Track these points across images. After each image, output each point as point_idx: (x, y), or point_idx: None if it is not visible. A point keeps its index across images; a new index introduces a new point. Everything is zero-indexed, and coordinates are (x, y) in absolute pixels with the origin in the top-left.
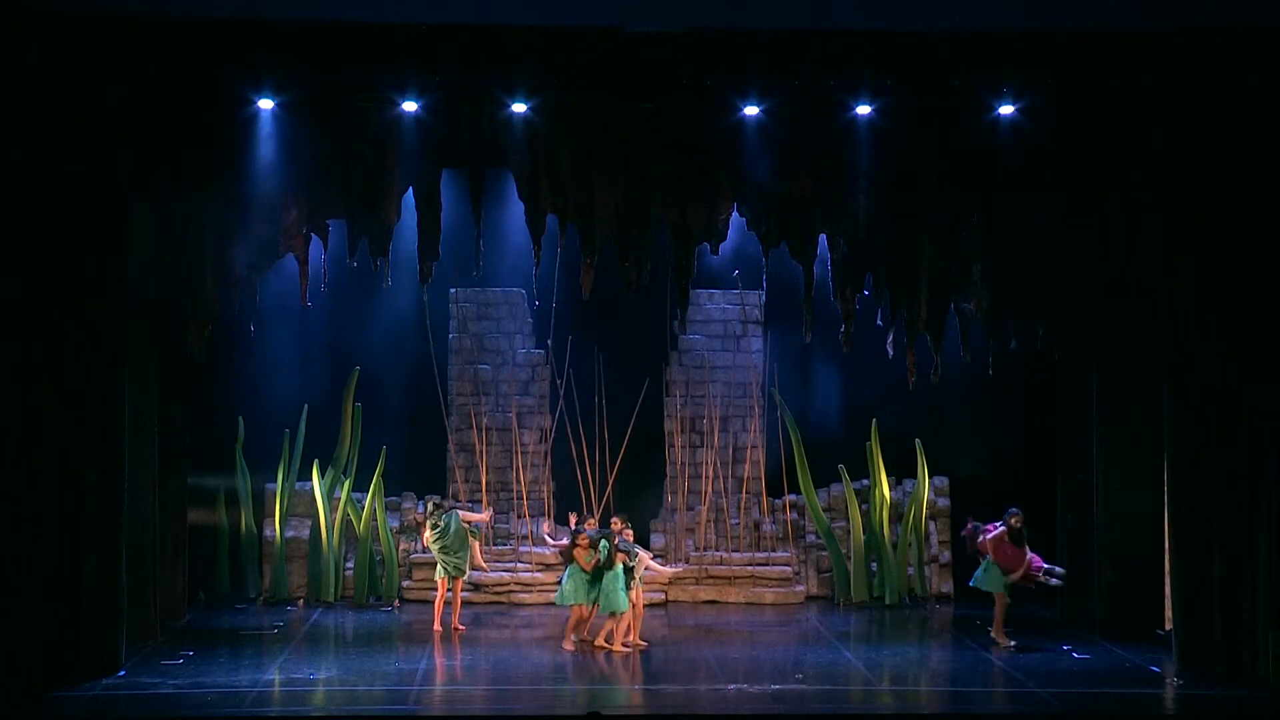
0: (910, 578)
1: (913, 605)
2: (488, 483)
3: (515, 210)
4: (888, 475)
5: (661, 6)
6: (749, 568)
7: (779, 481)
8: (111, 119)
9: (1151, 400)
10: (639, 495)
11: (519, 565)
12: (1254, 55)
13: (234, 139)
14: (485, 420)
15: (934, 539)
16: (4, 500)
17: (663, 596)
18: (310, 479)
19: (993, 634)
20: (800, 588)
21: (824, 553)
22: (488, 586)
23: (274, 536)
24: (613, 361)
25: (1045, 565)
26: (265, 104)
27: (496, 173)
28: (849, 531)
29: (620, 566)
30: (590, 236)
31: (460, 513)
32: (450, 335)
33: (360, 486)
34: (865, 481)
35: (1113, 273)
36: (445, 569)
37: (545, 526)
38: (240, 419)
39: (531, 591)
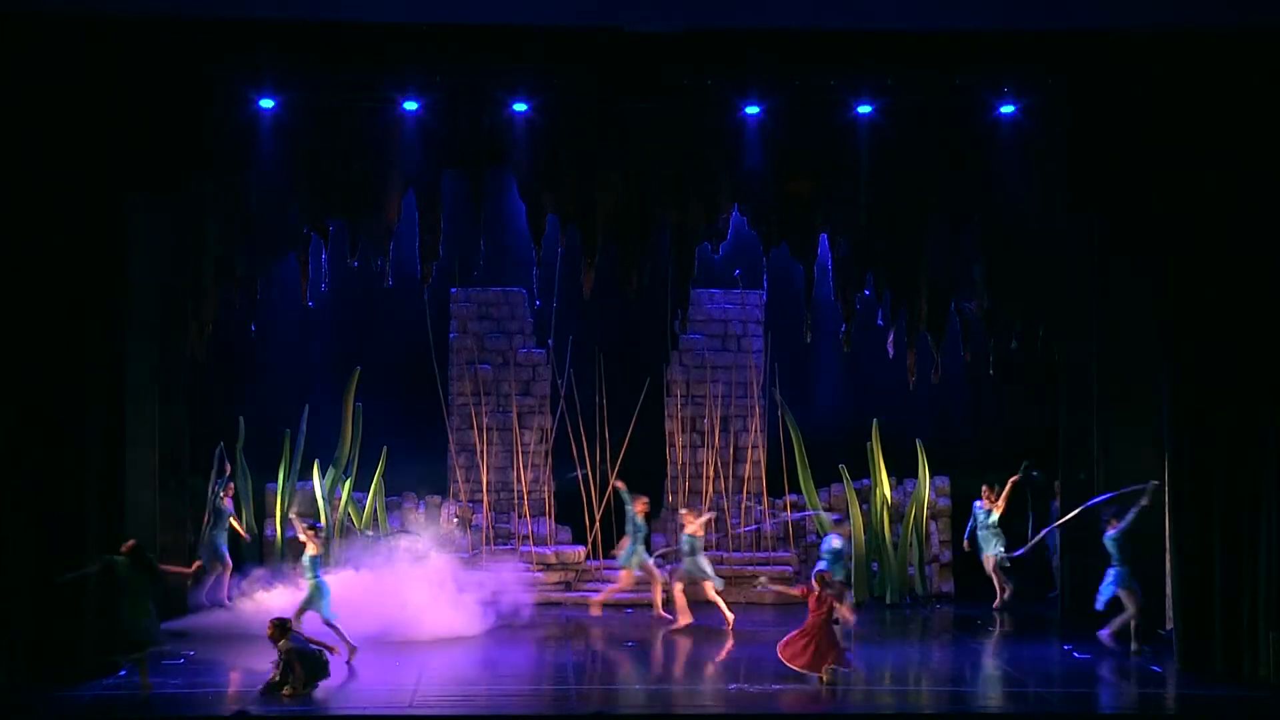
0: (911, 577)
1: (913, 605)
2: (488, 483)
3: (516, 210)
4: (888, 475)
5: (661, 6)
6: (749, 568)
7: (779, 481)
8: (113, 119)
9: (1152, 400)
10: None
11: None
12: (1254, 55)
13: (235, 139)
14: (486, 420)
15: (935, 539)
16: (5, 501)
17: (663, 596)
18: (311, 479)
19: None
20: (801, 587)
21: None
22: None
23: (274, 536)
24: (613, 361)
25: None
26: (266, 104)
27: (497, 173)
28: (849, 531)
29: None
30: (590, 236)
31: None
32: (451, 335)
33: (361, 486)
34: (866, 481)
35: (1113, 273)
36: None
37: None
38: (240, 419)
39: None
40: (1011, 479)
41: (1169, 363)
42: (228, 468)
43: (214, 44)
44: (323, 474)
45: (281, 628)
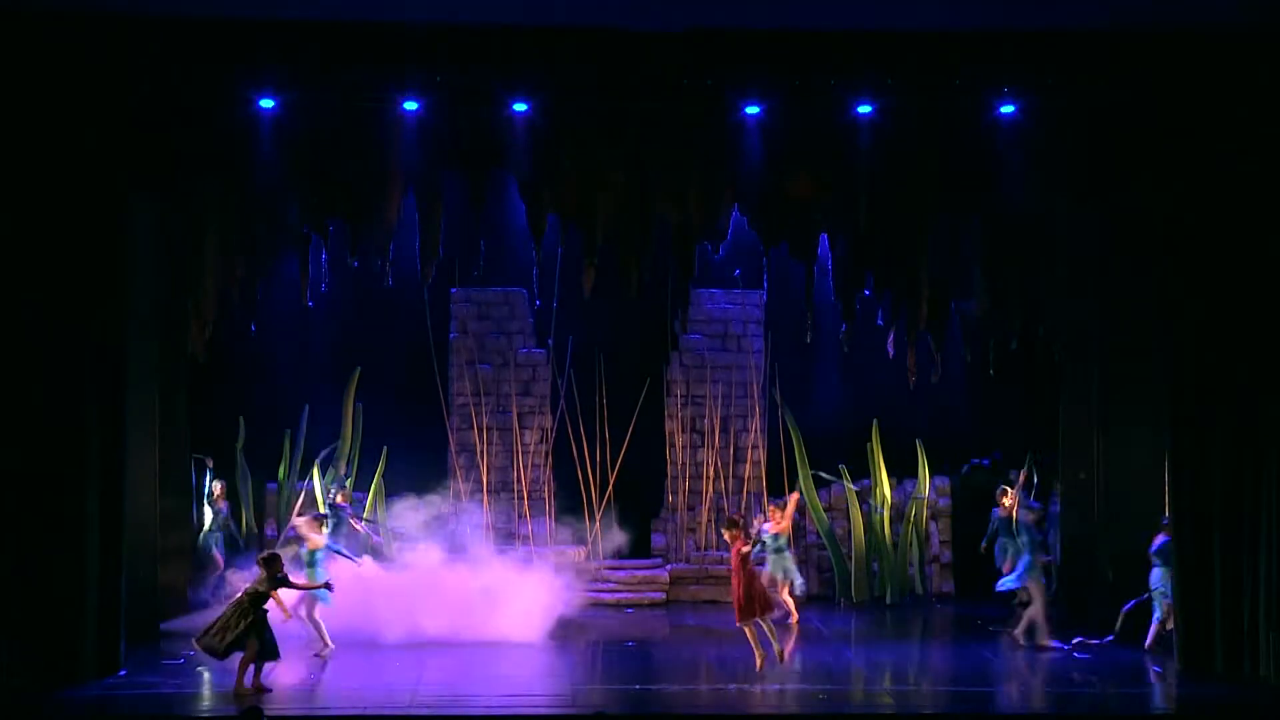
0: (911, 577)
1: (914, 605)
2: (489, 482)
3: (516, 210)
4: (889, 475)
5: (661, 6)
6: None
7: (780, 481)
8: (114, 119)
9: (1152, 400)
10: (640, 495)
11: None
12: (1255, 54)
13: (235, 139)
14: (486, 420)
15: (935, 539)
16: (5, 501)
17: (663, 596)
18: (311, 479)
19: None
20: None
21: (825, 552)
22: None
23: (275, 536)
24: (613, 361)
25: None
26: (266, 103)
27: (497, 172)
28: (849, 531)
29: None
30: (590, 236)
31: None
32: (451, 335)
33: (361, 486)
34: (866, 481)
35: (1113, 273)
36: None
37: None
38: (241, 419)
39: None
40: (793, 495)
41: (1169, 362)
42: (209, 462)
43: (215, 44)
44: (323, 474)
45: (271, 562)
